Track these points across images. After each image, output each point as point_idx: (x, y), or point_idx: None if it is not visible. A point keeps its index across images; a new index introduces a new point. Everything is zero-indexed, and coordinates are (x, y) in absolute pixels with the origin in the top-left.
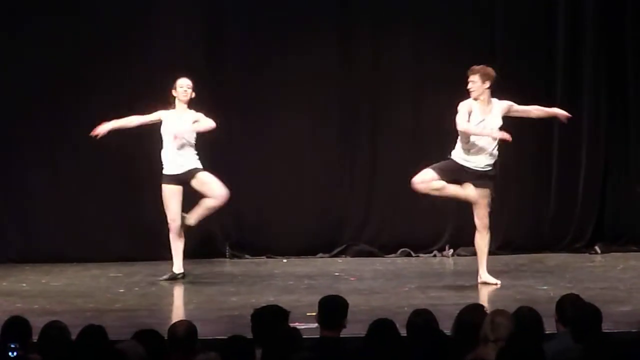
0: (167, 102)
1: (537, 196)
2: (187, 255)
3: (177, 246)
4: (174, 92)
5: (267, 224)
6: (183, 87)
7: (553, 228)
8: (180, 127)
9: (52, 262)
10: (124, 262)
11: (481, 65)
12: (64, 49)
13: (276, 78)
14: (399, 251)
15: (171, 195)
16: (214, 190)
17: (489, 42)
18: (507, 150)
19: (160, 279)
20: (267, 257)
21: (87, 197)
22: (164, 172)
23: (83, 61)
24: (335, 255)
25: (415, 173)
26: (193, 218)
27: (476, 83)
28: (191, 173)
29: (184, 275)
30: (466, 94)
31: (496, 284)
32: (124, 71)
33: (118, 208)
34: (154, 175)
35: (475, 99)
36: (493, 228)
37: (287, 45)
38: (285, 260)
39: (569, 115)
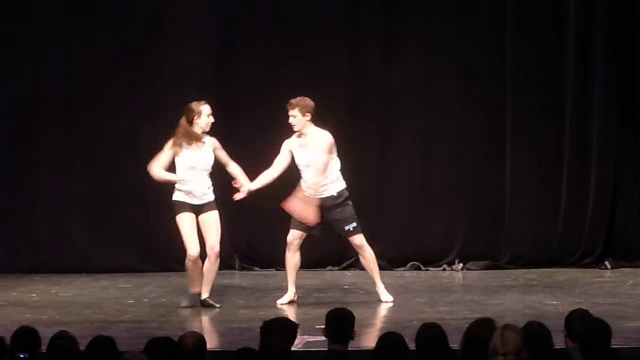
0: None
1: (547, 211)
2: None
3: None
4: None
5: (276, 237)
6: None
7: (563, 243)
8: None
9: (62, 273)
10: (133, 273)
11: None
12: (78, 63)
13: (286, 92)
14: (408, 265)
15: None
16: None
17: (499, 56)
18: (517, 165)
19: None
20: (277, 270)
21: (96, 209)
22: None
23: (95, 73)
24: (345, 269)
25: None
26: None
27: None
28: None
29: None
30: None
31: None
32: (136, 83)
33: (128, 219)
34: (165, 187)
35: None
36: (502, 242)
37: (296, 61)
38: None
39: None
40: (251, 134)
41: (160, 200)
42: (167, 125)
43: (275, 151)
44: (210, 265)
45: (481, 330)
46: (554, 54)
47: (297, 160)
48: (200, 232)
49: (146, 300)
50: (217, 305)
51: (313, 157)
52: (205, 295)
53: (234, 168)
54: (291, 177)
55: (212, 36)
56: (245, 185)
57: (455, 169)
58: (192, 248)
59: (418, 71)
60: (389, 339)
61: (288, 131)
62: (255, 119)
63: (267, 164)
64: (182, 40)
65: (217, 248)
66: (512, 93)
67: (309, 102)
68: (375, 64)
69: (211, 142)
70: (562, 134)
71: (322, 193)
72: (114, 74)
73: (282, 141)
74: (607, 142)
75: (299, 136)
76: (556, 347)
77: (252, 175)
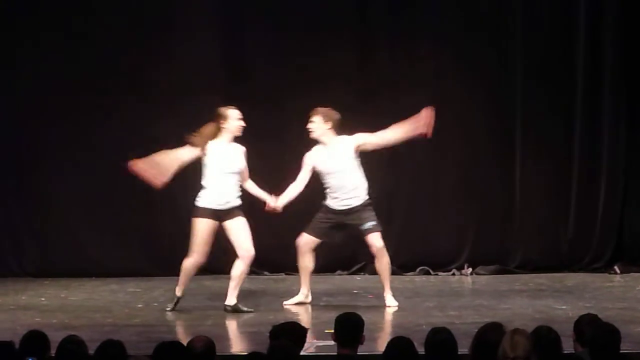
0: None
1: (557, 216)
2: (207, 271)
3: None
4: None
5: (285, 241)
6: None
7: (572, 248)
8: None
9: (71, 277)
10: (142, 277)
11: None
12: (85, 63)
13: (291, 91)
14: (418, 269)
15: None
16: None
17: (508, 58)
18: (526, 170)
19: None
20: (286, 274)
21: (105, 212)
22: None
23: (103, 74)
24: (354, 273)
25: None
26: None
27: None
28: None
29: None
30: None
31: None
32: (144, 83)
33: (137, 223)
34: (174, 191)
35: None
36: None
37: (303, 60)
38: None
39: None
40: (256, 135)
41: (170, 204)
42: (177, 126)
43: (281, 152)
44: (244, 268)
45: (490, 335)
46: (564, 56)
47: (325, 171)
48: (223, 239)
49: (156, 304)
50: (248, 310)
51: (343, 162)
52: (233, 300)
53: (250, 186)
54: (308, 189)
55: (221, 36)
56: (271, 203)
57: (464, 173)
58: (201, 255)
59: (427, 73)
60: (398, 344)
61: (292, 130)
62: (259, 117)
63: (272, 163)
64: (190, 39)
65: (252, 251)
66: (522, 96)
67: (334, 113)
68: (383, 64)
69: (241, 149)
70: (572, 138)
71: (360, 198)
72: (123, 75)
73: (290, 142)
74: (617, 146)
75: (321, 145)
76: (565, 351)
77: (260, 181)
